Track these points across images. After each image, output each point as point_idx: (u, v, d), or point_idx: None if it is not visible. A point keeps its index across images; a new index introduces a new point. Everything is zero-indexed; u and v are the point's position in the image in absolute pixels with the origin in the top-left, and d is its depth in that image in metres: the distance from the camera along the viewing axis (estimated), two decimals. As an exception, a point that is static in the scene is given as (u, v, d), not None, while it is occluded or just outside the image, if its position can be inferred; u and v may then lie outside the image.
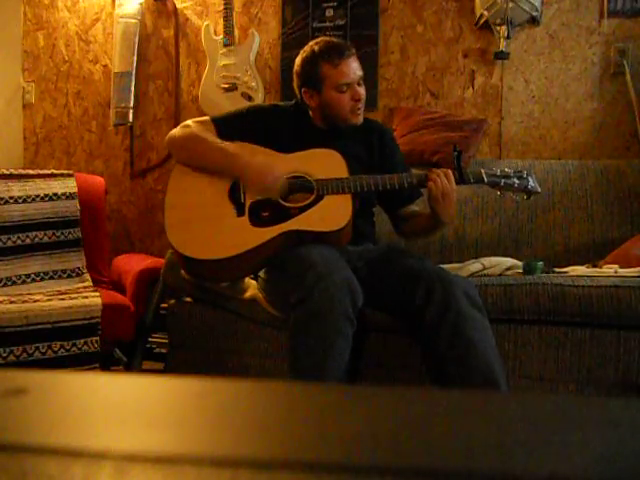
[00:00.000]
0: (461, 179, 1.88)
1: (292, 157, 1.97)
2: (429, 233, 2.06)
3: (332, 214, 1.89)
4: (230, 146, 1.97)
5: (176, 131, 2.07)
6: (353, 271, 1.79)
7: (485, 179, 1.91)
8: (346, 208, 1.89)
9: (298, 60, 2.03)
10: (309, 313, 1.68)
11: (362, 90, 1.99)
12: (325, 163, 1.94)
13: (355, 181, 1.90)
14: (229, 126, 2.02)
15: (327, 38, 2.09)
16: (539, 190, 1.98)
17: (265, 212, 1.92)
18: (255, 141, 1.99)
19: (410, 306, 1.77)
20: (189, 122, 2.06)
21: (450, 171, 1.86)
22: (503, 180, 1.92)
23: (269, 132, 2.00)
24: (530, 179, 1.93)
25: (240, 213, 1.93)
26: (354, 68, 1.97)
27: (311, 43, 2.02)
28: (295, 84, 2.06)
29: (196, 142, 1.99)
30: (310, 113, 2.05)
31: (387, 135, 2.16)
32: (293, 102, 2.11)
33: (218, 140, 1.99)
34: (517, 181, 1.92)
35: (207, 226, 1.93)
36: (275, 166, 1.92)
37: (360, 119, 2.01)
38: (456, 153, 1.89)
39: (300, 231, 1.88)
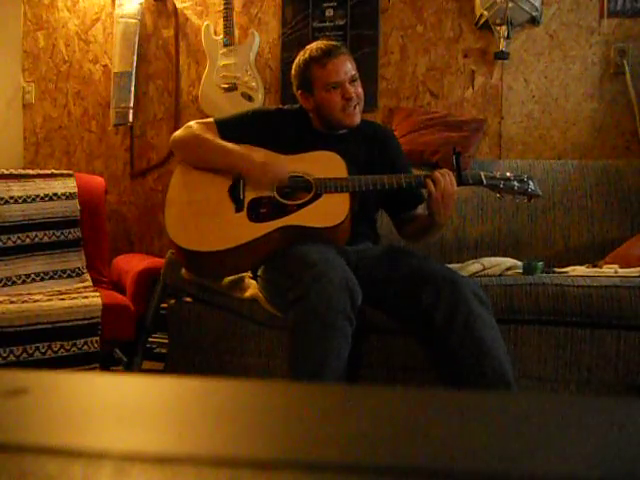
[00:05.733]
0: (460, 180, 1.87)
1: (292, 158, 1.99)
2: (426, 234, 2.04)
3: (329, 211, 1.90)
4: (232, 145, 2.00)
5: (179, 132, 2.11)
6: (353, 271, 1.79)
7: (484, 181, 1.91)
8: (343, 206, 1.89)
9: (294, 64, 2.07)
10: (307, 311, 1.68)
11: (355, 88, 1.97)
12: (324, 164, 1.96)
13: (353, 180, 1.91)
14: (231, 128, 2.05)
15: (320, 41, 2.08)
16: (540, 193, 1.95)
17: (263, 209, 1.94)
18: (256, 143, 2.01)
19: (416, 308, 1.75)
20: (192, 123, 2.09)
21: (451, 172, 1.86)
22: (502, 182, 1.91)
23: (270, 135, 2.02)
24: (531, 182, 1.92)
25: (239, 209, 1.95)
26: (344, 67, 1.96)
27: (307, 47, 2.04)
28: (294, 88, 2.08)
29: (198, 142, 2.03)
30: (311, 116, 2.07)
31: (390, 139, 2.15)
32: (298, 105, 2.11)
33: (220, 140, 2.02)
34: (517, 184, 1.91)
35: (205, 220, 1.96)
36: (278, 161, 1.96)
37: (355, 119, 1.99)
38: (455, 155, 1.89)
39: (297, 226, 1.89)
